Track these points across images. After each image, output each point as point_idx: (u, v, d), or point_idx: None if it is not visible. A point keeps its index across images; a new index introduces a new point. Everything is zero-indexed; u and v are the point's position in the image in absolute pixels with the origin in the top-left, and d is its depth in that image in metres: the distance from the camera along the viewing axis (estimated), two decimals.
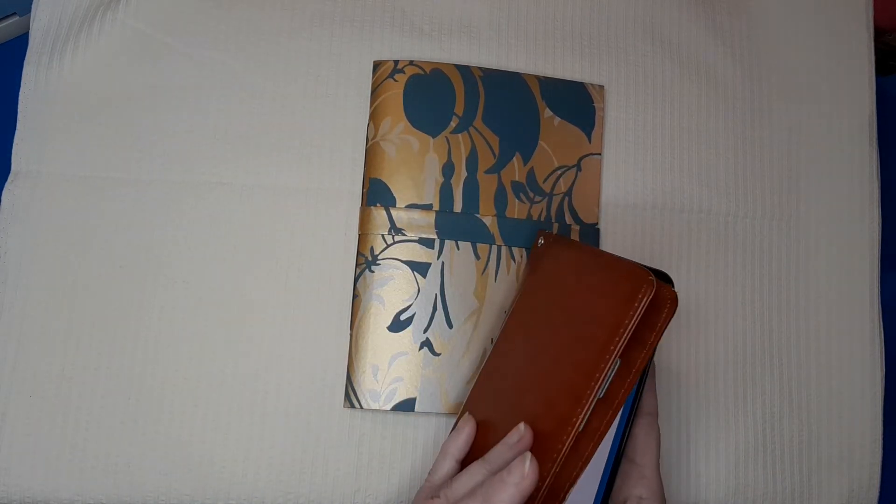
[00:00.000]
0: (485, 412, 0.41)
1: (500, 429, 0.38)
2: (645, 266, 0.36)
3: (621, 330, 0.34)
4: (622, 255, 0.39)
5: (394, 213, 0.48)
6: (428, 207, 0.48)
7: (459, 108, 0.49)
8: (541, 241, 0.45)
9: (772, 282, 0.52)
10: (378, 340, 0.47)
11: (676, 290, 0.35)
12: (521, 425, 0.36)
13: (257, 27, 0.51)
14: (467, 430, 0.41)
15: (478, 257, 0.48)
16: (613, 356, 0.34)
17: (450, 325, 0.47)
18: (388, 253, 0.47)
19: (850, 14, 0.56)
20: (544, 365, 0.38)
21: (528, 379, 0.39)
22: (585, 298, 0.37)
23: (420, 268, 0.47)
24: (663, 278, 0.37)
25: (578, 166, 0.51)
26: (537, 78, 0.51)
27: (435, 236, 0.48)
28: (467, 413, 0.42)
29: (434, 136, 0.49)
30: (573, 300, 0.38)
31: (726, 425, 0.50)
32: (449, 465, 0.40)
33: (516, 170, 0.49)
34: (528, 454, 0.34)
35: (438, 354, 0.47)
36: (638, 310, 0.34)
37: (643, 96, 0.53)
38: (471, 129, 0.49)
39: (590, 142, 0.51)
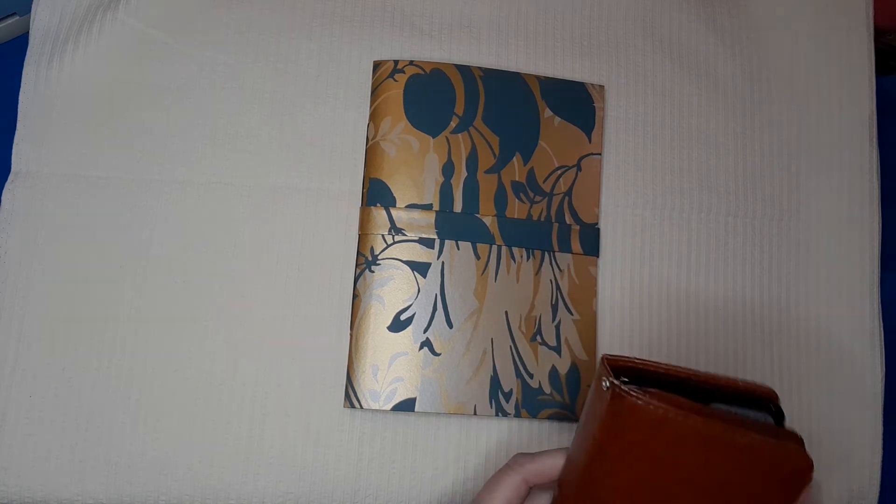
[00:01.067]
0: None
1: None
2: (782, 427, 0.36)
3: None
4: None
5: (394, 213, 0.48)
6: (428, 207, 0.48)
7: (459, 108, 0.49)
8: (614, 383, 0.34)
9: (772, 282, 0.52)
10: (378, 340, 0.47)
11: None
12: None
13: (257, 27, 0.51)
14: None
15: (478, 257, 0.48)
16: None
17: (450, 325, 0.47)
18: (388, 253, 0.47)
19: (850, 14, 0.56)
20: None
21: None
22: (743, 482, 0.36)
23: (420, 268, 0.47)
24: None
25: (578, 166, 0.51)
26: (537, 78, 0.51)
27: (435, 236, 0.48)
28: None
29: (434, 135, 0.49)
30: (726, 485, 0.35)
31: None
32: None
33: (516, 170, 0.49)
34: None
35: (438, 354, 0.47)
36: (804, 493, 0.35)
37: (643, 96, 0.53)
38: (471, 128, 0.49)
39: (590, 142, 0.51)
